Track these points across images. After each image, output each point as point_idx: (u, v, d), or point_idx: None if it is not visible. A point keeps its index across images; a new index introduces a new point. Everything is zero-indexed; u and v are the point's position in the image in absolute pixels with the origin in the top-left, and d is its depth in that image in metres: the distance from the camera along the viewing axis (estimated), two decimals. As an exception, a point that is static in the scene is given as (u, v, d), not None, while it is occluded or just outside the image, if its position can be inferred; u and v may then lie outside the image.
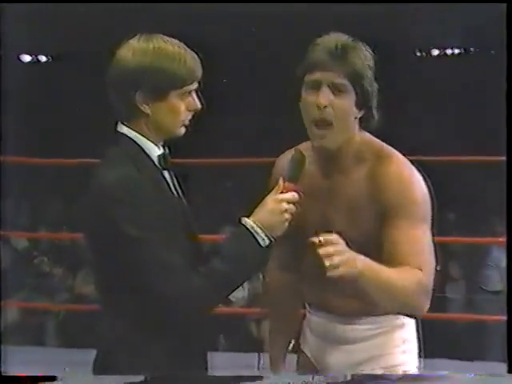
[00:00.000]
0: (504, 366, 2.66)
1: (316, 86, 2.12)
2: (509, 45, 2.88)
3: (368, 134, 2.23)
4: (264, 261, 2.00)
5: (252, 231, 1.96)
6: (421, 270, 2.09)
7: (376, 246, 2.14)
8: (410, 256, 2.08)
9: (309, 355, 2.44)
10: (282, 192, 2.00)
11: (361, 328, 2.31)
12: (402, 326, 2.33)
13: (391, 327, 2.31)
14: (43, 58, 10.64)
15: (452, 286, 6.99)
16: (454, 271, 7.09)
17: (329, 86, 2.11)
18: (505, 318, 2.94)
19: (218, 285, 1.94)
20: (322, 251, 1.92)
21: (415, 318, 2.36)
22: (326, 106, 2.10)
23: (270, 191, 2.02)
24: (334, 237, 1.94)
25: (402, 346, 2.33)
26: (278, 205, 1.98)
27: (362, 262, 1.98)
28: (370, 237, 2.15)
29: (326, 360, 2.37)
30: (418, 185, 2.17)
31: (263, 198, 2.01)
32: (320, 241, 1.92)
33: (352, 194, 2.18)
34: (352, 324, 2.31)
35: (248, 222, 1.97)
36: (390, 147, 2.23)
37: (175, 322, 1.95)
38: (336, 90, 2.11)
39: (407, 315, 2.29)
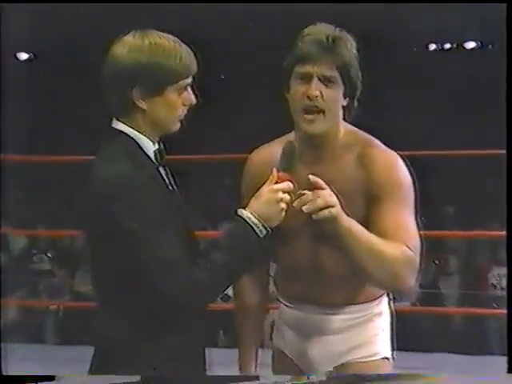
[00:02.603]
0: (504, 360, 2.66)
1: (307, 78, 2.15)
2: (509, 44, 2.89)
3: (351, 126, 2.27)
4: (262, 251, 2.00)
5: (249, 222, 1.96)
6: (406, 245, 2.10)
7: None
8: (396, 232, 2.10)
9: (286, 352, 2.42)
10: (276, 182, 2.00)
11: (343, 318, 2.31)
12: (380, 314, 2.35)
13: (371, 315, 2.33)
14: (41, 56, 10.63)
15: (449, 280, 6.99)
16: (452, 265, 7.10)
17: (319, 78, 2.14)
18: (504, 311, 2.94)
19: (218, 277, 1.94)
20: (311, 194, 1.97)
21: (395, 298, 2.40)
22: (317, 97, 2.14)
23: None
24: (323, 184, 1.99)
25: (381, 334, 2.35)
26: (274, 195, 1.98)
27: (348, 219, 2.02)
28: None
29: (306, 354, 2.37)
30: (403, 171, 2.21)
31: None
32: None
33: (340, 183, 2.17)
34: (335, 314, 2.32)
35: (244, 213, 1.97)
36: (373, 138, 2.26)
37: (175, 317, 1.94)
38: (326, 81, 2.14)
39: (391, 290, 2.31)
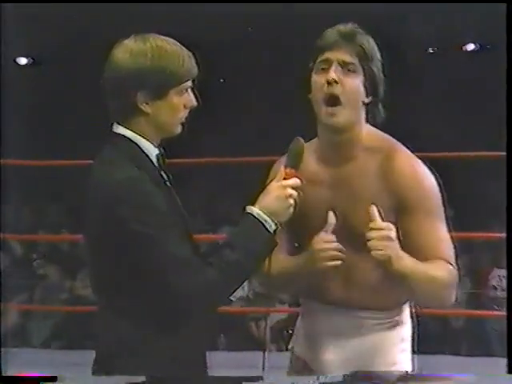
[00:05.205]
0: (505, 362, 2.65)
1: (326, 65, 2.17)
2: (509, 44, 2.89)
3: (374, 128, 2.26)
4: (272, 246, 2.01)
5: (259, 219, 1.97)
6: (448, 261, 2.15)
7: None
8: (436, 248, 2.16)
9: (301, 355, 2.39)
10: (284, 178, 2.03)
11: (358, 323, 2.28)
12: (401, 323, 2.31)
13: (391, 324, 2.28)
14: (41, 61, 10.61)
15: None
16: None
17: (339, 64, 2.16)
18: (504, 313, 2.93)
19: (231, 276, 1.95)
20: (372, 233, 2.08)
21: (416, 315, 2.36)
22: (336, 82, 2.15)
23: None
24: (386, 223, 2.09)
25: (400, 344, 2.30)
26: (283, 191, 2.00)
27: (403, 257, 2.10)
28: None
29: (320, 356, 2.33)
30: (430, 179, 2.21)
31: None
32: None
33: (359, 183, 2.20)
34: (351, 317, 2.28)
35: (254, 209, 1.98)
36: (396, 141, 2.26)
37: (188, 317, 1.95)
38: (346, 68, 2.16)
39: (436, 308, 2.38)
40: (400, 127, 2.28)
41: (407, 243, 2.15)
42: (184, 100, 2.00)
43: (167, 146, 2.06)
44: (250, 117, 9.71)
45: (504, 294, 6.14)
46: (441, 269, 2.13)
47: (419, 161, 2.23)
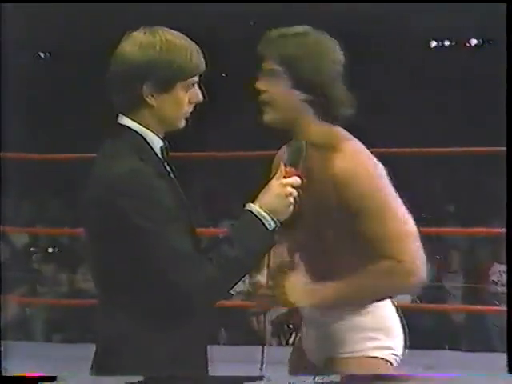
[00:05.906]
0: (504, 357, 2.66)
1: (258, 73, 2.26)
2: (509, 44, 2.90)
3: (329, 125, 2.27)
4: (271, 244, 2.02)
5: (259, 216, 1.98)
6: (392, 257, 2.17)
7: (341, 236, 2.23)
8: (381, 248, 2.18)
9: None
10: (284, 177, 2.03)
11: (322, 313, 2.33)
12: (362, 313, 2.33)
13: (347, 314, 2.32)
14: (41, 55, 10.64)
15: (450, 277, 6.98)
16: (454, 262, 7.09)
17: (263, 71, 2.25)
18: (504, 308, 2.93)
19: (230, 271, 1.95)
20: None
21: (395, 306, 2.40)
22: (263, 90, 2.25)
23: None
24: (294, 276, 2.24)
25: (361, 333, 2.32)
26: (283, 189, 2.01)
27: (324, 291, 2.22)
28: (336, 228, 2.23)
29: (303, 344, 2.47)
30: (372, 176, 2.21)
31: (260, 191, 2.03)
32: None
33: (311, 184, 2.19)
34: (317, 309, 2.33)
35: (253, 207, 1.99)
36: (347, 138, 2.26)
37: (186, 313, 1.95)
38: (268, 75, 2.25)
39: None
40: (400, 125, 2.28)
41: (357, 243, 2.20)
42: (190, 95, 2.01)
43: (170, 140, 2.07)
44: (251, 114, 9.72)
45: (504, 290, 6.14)
46: (372, 273, 2.18)
47: (363, 156, 2.23)
